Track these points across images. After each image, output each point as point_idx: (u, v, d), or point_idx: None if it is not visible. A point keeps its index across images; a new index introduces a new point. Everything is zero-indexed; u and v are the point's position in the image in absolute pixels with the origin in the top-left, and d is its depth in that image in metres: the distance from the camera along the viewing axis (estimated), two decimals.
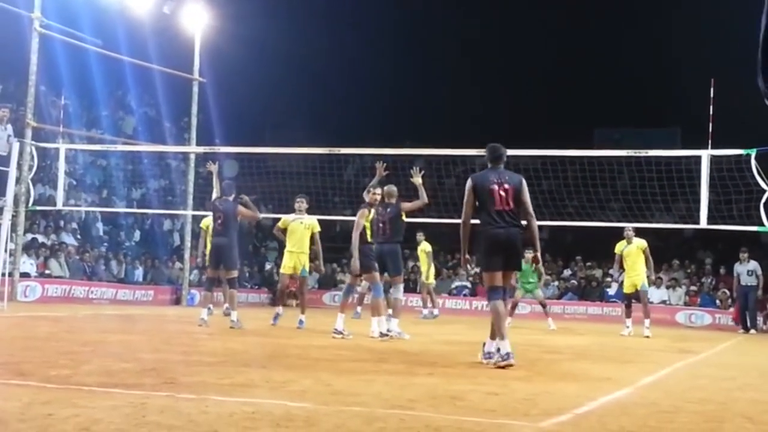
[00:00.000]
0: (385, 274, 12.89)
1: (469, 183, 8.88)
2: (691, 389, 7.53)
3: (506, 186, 8.73)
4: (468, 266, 9.21)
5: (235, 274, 14.12)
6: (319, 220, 20.90)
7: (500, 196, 8.68)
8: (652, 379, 8.39)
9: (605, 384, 7.58)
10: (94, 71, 24.99)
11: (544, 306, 19.10)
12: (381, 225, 12.61)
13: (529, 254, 16.03)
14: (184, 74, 24.22)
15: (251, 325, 14.46)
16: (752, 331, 21.43)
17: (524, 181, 8.91)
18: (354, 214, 17.15)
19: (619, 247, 17.23)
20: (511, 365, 8.24)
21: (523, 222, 8.84)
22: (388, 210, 12.66)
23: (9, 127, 17.30)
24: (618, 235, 17.18)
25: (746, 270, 21.59)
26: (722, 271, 26.53)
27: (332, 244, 31.39)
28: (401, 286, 12.98)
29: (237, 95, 30.70)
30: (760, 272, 21.72)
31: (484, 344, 8.90)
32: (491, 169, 8.98)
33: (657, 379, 8.42)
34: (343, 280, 29.05)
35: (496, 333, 8.68)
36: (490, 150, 9.15)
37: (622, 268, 17.24)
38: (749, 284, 21.57)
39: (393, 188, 13.04)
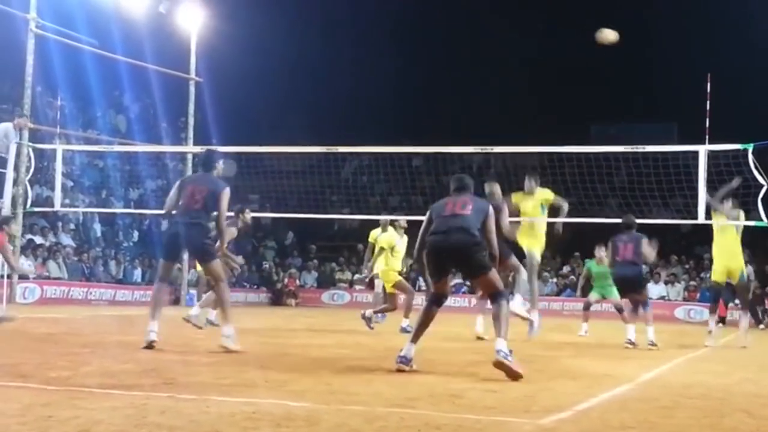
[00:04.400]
0: None
1: (428, 213, 8.24)
2: (690, 384, 7.54)
3: (462, 200, 8.04)
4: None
5: None
6: (317, 219, 20.93)
7: (453, 206, 8.02)
8: (652, 374, 8.40)
9: (605, 380, 7.59)
10: (90, 72, 24.96)
11: (619, 309, 15.74)
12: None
13: (601, 253, 16.09)
14: (180, 74, 24.20)
15: (251, 324, 14.44)
16: (761, 326, 21.52)
17: (491, 210, 8.06)
18: (352, 213, 17.18)
19: None
20: (403, 370, 7.50)
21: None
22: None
23: (20, 133, 17.40)
24: (616, 230, 17.04)
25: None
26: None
27: (331, 243, 31.46)
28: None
29: (233, 94, 30.67)
30: (753, 277, 21.65)
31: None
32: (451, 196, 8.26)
33: (656, 375, 8.43)
34: (342, 279, 29.08)
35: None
36: (453, 180, 8.40)
37: None
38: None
39: (495, 186, 12.48)
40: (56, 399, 5.32)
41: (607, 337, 14.64)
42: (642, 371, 8.52)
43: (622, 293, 13.40)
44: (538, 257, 13.52)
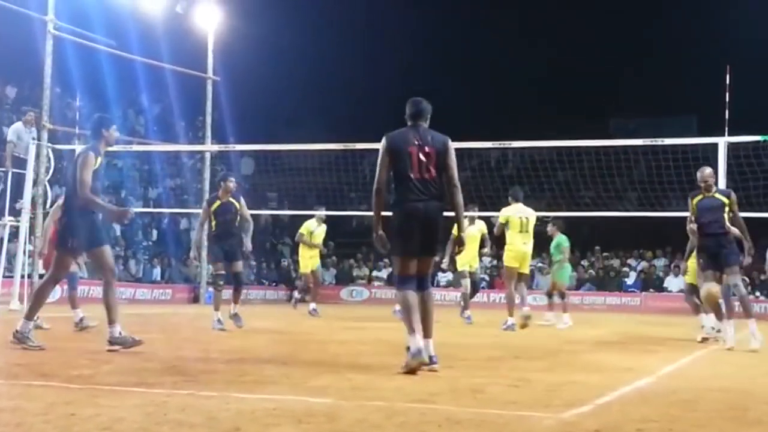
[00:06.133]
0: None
1: (383, 143, 7.36)
2: (713, 377, 7.49)
3: (427, 148, 7.25)
4: (381, 246, 7.29)
5: None
6: (336, 216, 20.89)
7: (420, 161, 7.21)
8: (673, 367, 8.35)
9: (626, 374, 7.55)
10: (108, 72, 25.08)
11: (548, 295, 16.46)
12: None
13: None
14: (197, 73, 24.27)
15: (268, 322, 14.49)
16: None
17: (451, 144, 7.41)
18: (370, 209, 17.20)
19: None
20: (421, 365, 6.95)
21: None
22: None
23: (33, 130, 17.48)
24: (635, 223, 16.94)
25: None
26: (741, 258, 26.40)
27: (349, 240, 31.46)
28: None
29: (251, 93, 30.71)
30: None
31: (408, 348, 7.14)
32: (411, 127, 7.44)
33: (678, 368, 8.38)
34: (360, 276, 29.09)
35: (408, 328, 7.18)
36: (410, 105, 7.56)
37: None
38: None
39: None
40: (78, 397, 5.34)
41: (626, 331, 14.58)
42: (663, 364, 8.48)
43: None
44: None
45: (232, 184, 12.42)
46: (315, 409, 5.11)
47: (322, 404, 5.29)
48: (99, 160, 8.47)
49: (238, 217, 12.43)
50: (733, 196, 10.81)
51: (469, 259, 15.27)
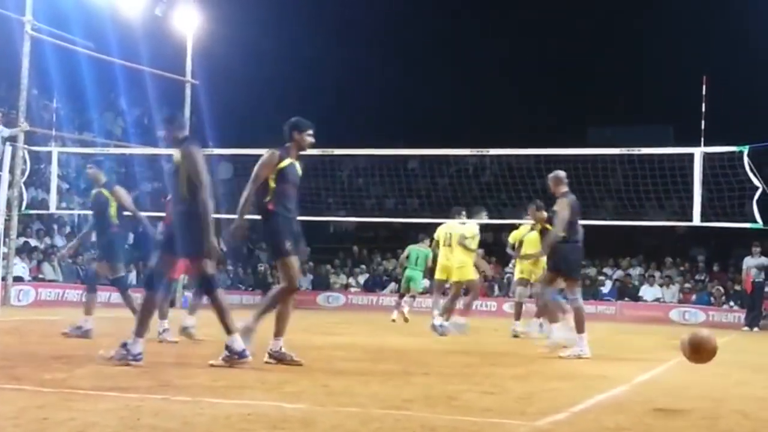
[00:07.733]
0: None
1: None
2: (686, 386, 7.54)
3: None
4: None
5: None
6: (313, 222, 20.80)
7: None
8: (648, 376, 8.40)
9: (601, 382, 7.59)
10: (86, 74, 24.91)
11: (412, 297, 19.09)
12: None
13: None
14: (176, 76, 24.18)
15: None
16: (755, 328, 21.25)
17: None
18: (348, 215, 17.16)
19: None
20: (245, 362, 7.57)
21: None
22: None
23: (2, 129, 17.32)
24: (611, 232, 16.98)
25: (755, 264, 21.36)
26: (716, 268, 26.59)
27: (326, 245, 31.44)
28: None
29: (230, 97, 30.62)
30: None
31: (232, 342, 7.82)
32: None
33: (652, 377, 8.43)
34: (336, 283, 29.05)
35: (230, 327, 7.88)
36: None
37: None
38: (757, 280, 21.33)
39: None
40: (51, 401, 5.30)
41: (601, 339, 14.62)
42: (637, 372, 8.53)
43: None
44: None
45: (91, 171, 11.87)
46: (290, 414, 5.10)
47: (297, 410, 5.28)
48: (287, 161, 8.54)
49: (110, 211, 11.75)
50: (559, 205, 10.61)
51: (531, 267, 14.40)
